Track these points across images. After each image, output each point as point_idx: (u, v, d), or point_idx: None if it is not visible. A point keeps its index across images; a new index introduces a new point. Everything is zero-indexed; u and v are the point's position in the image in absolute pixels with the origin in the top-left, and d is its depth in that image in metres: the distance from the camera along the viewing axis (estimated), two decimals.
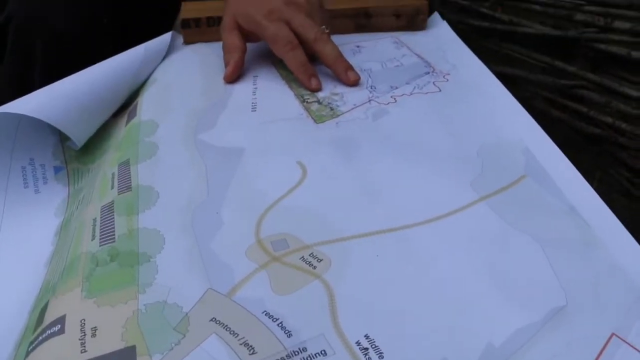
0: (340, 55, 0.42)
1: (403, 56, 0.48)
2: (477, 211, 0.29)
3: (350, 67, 0.42)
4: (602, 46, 0.81)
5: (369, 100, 0.41)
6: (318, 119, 0.38)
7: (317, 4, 0.40)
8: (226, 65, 0.42)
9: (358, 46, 0.50)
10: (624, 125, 0.81)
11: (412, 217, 0.28)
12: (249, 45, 0.48)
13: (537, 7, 0.85)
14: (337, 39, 0.44)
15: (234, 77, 0.42)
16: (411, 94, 0.42)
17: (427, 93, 0.42)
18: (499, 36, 0.90)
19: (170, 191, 0.31)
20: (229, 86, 0.42)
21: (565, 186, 0.30)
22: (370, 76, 0.44)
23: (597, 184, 0.77)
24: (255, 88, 0.42)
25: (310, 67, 0.41)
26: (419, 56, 0.48)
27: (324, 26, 0.42)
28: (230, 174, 0.33)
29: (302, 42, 0.39)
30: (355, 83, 0.41)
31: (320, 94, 0.41)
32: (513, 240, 0.27)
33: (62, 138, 0.38)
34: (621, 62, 0.80)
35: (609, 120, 0.82)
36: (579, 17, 0.83)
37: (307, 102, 0.40)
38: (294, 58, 0.40)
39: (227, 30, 0.40)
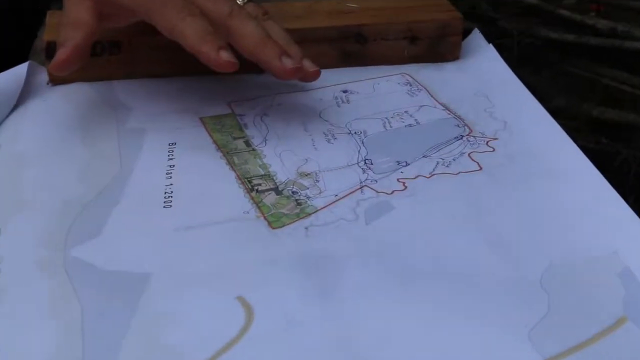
0: (269, 36, 0.46)
1: (420, 108, 0.52)
2: None
3: (285, 52, 0.46)
4: None
5: (361, 187, 0.44)
6: (275, 222, 0.41)
7: None
8: (59, 47, 0.45)
9: (345, 91, 0.55)
10: None
11: None
12: (159, 85, 0.54)
13: None
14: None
15: (65, 69, 0.45)
16: (431, 175, 0.45)
17: (458, 173, 0.46)
18: (591, 56, 0.97)
19: (18, 352, 0.33)
20: (126, 162, 0.46)
21: None
22: (363, 144, 0.49)
23: None
24: (172, 166, 0.46)
25: (219, 38, 0.44)
26: (445, 107, 0.53)
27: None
28: (124, 319, 0.34)
29: (213, 24, 0.44)
30: (294, 75, 0.46)
31: (281, 176, 0.45)
32: None
33: None
34: None
35: None
36: None
37: (257, 190, 0.44)
38: (193, 26, 0.44)
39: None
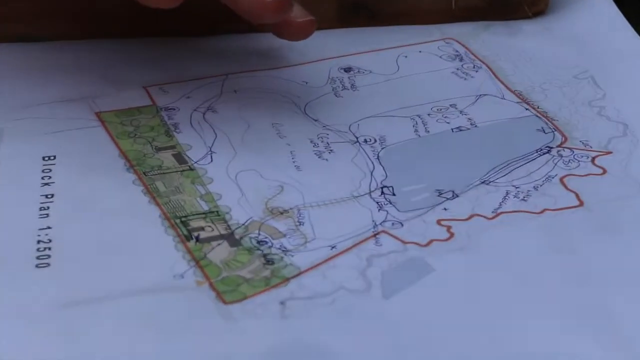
0: None
1: (477, 99, 0.54)
2: None
3: None
4: None
5: (376, 234, 0.46)
6: (229, 292, 0.42)
7: None
8: None
9: (348, 68, 0.57)
10: None
11: None
12: (27, 54, 0.55)
13: None
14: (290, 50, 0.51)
15: None
16: (496, 214, 0.47)
17: (542, 212, 0.47)
18: None
19: None
20: None
21: None
22: (379, 160, 0.50)
23: None
24: (49, 197, 0.47)
25: None
26: (522, 99, 0.55)
27: None
28: None
29: None
30: (278, 12, 0.46)
31: (239, 214, 0.46)
32: None
33: None
34: None
35: None
36: None
37: (197, 238, 0.45)
38: None
39: None
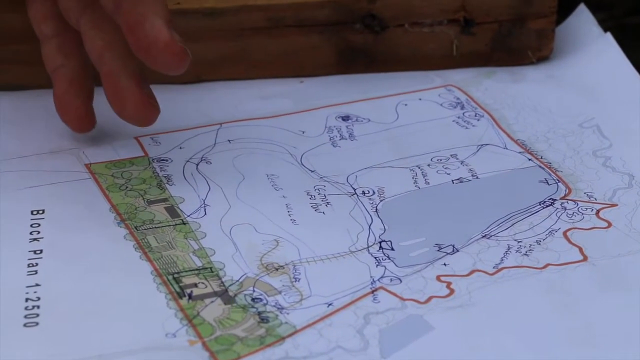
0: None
1: (479, 149, 0.55)
2: None
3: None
4: None
5: (374, 290, 0.47)
6: (222, 352, 0.43)
7: None
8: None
9: (346, 117, 0.58)
10: None
11: None
12: (14, 103, 0.57)
13: None
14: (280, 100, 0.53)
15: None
16: (497, 270, 0.48)
17: (545, 267, 0.48)
18: None
19: None
20: None
21: None
22: (377, 213, 0.51)
23: None
24: (38, 253, 0.48)
25: None
26: (525, 148, 0.56)
27: None
28: None
29: None
30: (80, 126, 0.49)
31: (233, 271, 0.47)
32: None
33: None
34: None
35: None
36: None
37: (190, 295, 0.46)
38: None
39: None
